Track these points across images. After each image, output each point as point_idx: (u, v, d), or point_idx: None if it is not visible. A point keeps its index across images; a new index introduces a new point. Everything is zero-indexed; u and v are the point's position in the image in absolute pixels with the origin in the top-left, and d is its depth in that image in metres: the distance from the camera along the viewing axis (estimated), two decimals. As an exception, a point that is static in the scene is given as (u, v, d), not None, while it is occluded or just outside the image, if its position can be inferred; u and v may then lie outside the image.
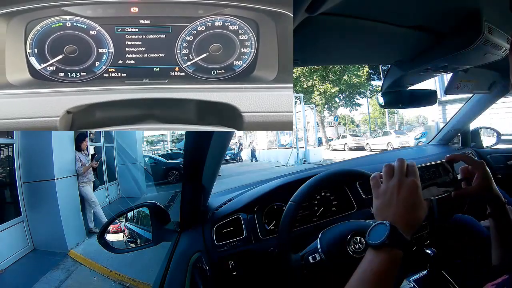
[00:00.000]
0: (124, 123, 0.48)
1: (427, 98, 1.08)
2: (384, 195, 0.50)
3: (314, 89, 14.69)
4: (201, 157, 0.72)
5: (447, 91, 1.02)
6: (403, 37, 0.75)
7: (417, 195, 0.49)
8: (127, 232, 0.94)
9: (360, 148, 14.21)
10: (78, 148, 4.03)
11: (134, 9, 0.45)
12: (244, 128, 0.49)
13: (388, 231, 0.44)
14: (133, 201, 5.29)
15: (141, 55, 0.46)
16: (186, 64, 0.48)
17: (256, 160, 14.86)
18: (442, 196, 0.57)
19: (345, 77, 14.45)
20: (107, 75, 0.46)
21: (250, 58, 0.50)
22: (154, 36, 0.46)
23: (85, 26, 0.45)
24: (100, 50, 0.45)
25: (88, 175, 4.05)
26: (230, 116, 0.49)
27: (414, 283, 0.88)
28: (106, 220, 1.05)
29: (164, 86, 0.47)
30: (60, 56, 0.45)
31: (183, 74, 0.48)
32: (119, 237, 0.92)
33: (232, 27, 0.48)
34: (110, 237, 0.88)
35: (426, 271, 0.88)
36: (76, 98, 0.45)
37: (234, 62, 0.49)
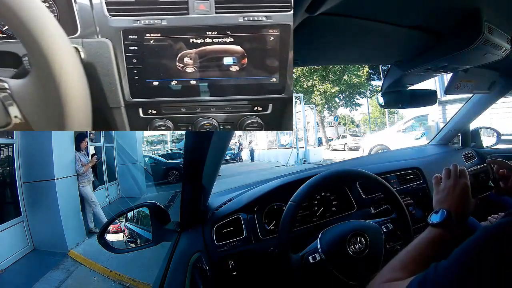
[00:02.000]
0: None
1: (427, 98, 1.08)
2: (443, 192, 0.68)
3: (314, 89, 14.68)
4: (201, 157, 0.72)
5: (447, 91, 1.02)
6: (403, 37, 0.75)
7: (468, 193, 0.66)
8: (127, 232, 0.94)
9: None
10: (78, 148, 4.03)
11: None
12: None
13: (445, 216, 0.61)
14: (133, 201, 5.29)
15: None
16: None
17: (253, 161, 14.84)
18: (486, 194, 0.73)
19: (345, 77, 14.44)
20: None
21: None
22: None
23: None
24: None
25: (88, 175, 4.05)
26: None
27: None
28: (106, 220, 1.05)
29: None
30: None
31: None
32: (119, 237, 0.92)
33: None
34: (110, 237, 0.88)
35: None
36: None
37: None
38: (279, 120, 0.65)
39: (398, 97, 1.09)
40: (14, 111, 0.43)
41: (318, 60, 1.05)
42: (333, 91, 14.61)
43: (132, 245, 0.94)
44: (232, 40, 0.52)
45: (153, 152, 15.96)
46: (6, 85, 0.42)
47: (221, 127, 0.67)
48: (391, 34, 0.73)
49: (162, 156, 10.82)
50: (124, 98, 0.59)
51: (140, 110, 0.62)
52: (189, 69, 0.53)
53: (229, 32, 0.52)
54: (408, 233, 0.86)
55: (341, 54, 0.92)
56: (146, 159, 8.40)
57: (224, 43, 0.53)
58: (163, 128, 0.65)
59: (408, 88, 1.10)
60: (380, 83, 15.78)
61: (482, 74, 1.07)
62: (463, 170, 0.69)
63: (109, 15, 0.51)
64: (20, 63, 0.53)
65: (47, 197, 3.47)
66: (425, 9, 0.64)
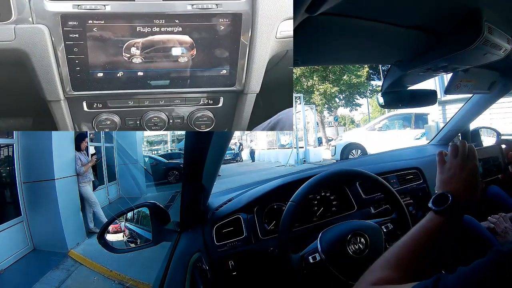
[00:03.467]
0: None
1: (427, 98, 1.08)
2: (449, 172, 0.58)
3: (314, 89, 14.66)
4: (201, 157, 0.72)
5: (447, 91, 1.02)
6: (403, 37, 0.75)
7: (477, 177, 0.57)
8: (127, 232, 0.94)
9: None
10: (78, 148, 4.03)
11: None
12: None
13: (451, 201, 0.52)
14: (133, 201, 5.29)
15: None
16: None
17: (253, 161, 14.81)
18: (492, 178, 0.65)
19: (345, 77, 14.42)
20: None
21: None
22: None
23: None
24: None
25: (88, 175, 4.04)
26: None
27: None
28: (106, 220, 1.05)
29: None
30: None
31: None
32: (119, 237, 0.92)
33: None
34: (110, 237, 0.88)
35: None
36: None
37: None
38: (233, 115, 0.63)
39: (398, 97, 1.09)
40: None
41: (318, 60, 1.05)
42: (333, 91, 14.59)
43: (132, 245, 0.94)
44: (180, 29, 0.49)
45: (153, 152, 15.95)
46: None
47: (170, 121, 0.65)
48: (391, 34, 0.73)
49: (162, 156, 10.82)
50: (64, 90, 0.53)
51: (84, 104, 0.57)
52: (136, 60, 0.50)
53: (177, 21, 0.48)
54: (408, 233, 0.86)
55: (341, 54, 0.92)
56: (146, 159, 8.40)
57: (172, 32, 0.49)
58: (108, 123, 0.61)
59: (408, 88, 1.10)
60: (380, 83, 15.77)
61: (482, 74, 1.07)
62: (472, 149, 0.59)
63: None
64: None
65: (47, 197, 3.47)
66: (425, 9, 0.64)
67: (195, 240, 0.88)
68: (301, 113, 11.40)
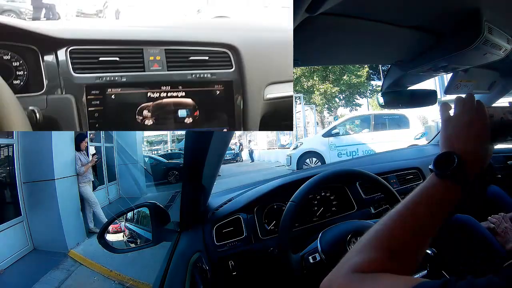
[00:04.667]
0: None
1: (427, 98, 1.08)
2: (456, 126, 0.48)
3: (314, 89, 14.66)
4: (201, 157, 0.72)
5: (447, 91, 1.02)
6: (403, 37, 0.75)
7: (487, 136, 0.47)
8: (127, 232, 0.94)
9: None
10: (78, 148, 4.02)
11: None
12: None
13: (457, 164, 0.43)
14: (133, 201, 5.29)
15: None
16: None
17: (252, 161, 14.80)
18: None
19: (345, 77, 14.42)
20: None
21: None
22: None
23: None
24: None
25: (88, 175, 4.05)
26: None
27: None
28: (106, 220, 1.05)
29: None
30: None
31: None
32: (119, 237, 0.92)
33: None
34: (110, 237, 0.88)
35: (426, 271, 0.88)
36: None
37: None
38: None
39: (398, 97, 1.09)
40: None
41: (318, 60, 1.05)
42: (333, 91, 14.58)
43: (132, 245, 0.94)
44: (184, 94, 0.59)
45: (153, 152, 15.95)
46: None
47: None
48: (391, 34, 0.73)
49: (162, 156, 10.81)
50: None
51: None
52: (148, 122, 0.57)
53: (181, 87, 0.58)
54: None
55: (341, 54, 0.92)
56: (146, 159, 8.40)
57: (177, 96, 0.58)
58: None
59: (408, 88, 1.10)
60: (380, 83, 15.76)
61: (482, 74, 1.07)
62: (480, 103, 0.49)
63: (74, 72, 0.54)
64: None
65: (47, 197, 3.47)
66: (425, 9, 0.64)
67: (195, 240, 0.88)
68: (301, 113, 11.40)
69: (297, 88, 14.08)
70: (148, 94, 0.58)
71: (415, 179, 1.20)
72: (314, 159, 6.93)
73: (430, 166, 0.45)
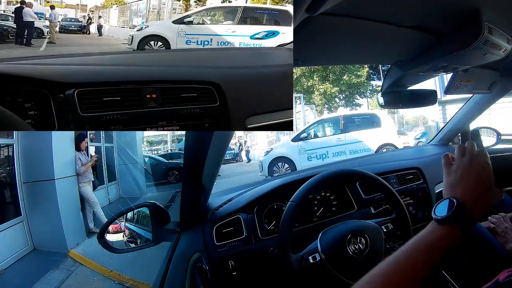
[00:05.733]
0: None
1: (427, 98, 1.08)
2: (456, 172, 0.50)
3: (314, 89, 14.66)
4: (201, 157, 0.72)
5: (447, 91, 1.02)
6: (403, 37, 0.75)
7: (489, 173, 0.48)
8: (127, 232, 0.94)
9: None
10: (78, 148, 4.02)
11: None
12: None
13: (455, 207, 0.44)
14: (133, 201, 5.29)
15: None
16: None
17: (249, 161, 14.67)
18: None
19: (345, 77, 14.42)
20: None
21: None
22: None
23: None
24: None
25: (88, 175, 4.04)
26: None
27: None
28: (106, 220, 1.05)
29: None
30: None
31: None
32: (119, 237, 0.92)
33: None
34: (110, 237, 0.88)
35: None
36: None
37: None
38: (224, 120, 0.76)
39: (398, 97, 1.09)
40: None
41: (318, 60, 1.05)
42: (333, 91, 14.59)
43: (132, 245, 0.94)
44: (178, 127, 0.67)
45: (153, 152, 15.92)
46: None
47: None
48: (391, 34, 0.73)
49: (162, 156, 10.81)
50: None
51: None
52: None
53: (174, 122, 0.67)
54: (408, 233, 0.86)
55: (341, 54, 0.92)
56: (146, 159, 8.39)
57: (172, 129, 0.68)
58: None
59: (408, 88, 1.10)
60: (380, 83, 15.76)
61: (482, 74, 1.07)
62: (481, 149, 0.51)
63: (82, 112, 0.60)
64: None
65: (47, 197, 3.47)
66: (425, 9, 0.64)
67: (195, 240, 0.88)
68: (301, 113, 11.40)
69: (297, 88, 14.08)
70: (147, 129, 0.65)
71: (415, 179, 1.20)
72: (285, 165, 6.84)
73: (432, 214, 0.46)
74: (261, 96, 0.74)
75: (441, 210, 0.45)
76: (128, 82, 0.64)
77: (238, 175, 8.45)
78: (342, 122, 7.03)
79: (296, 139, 6.94)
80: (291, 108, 0.73)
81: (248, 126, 0.73)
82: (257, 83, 0.75)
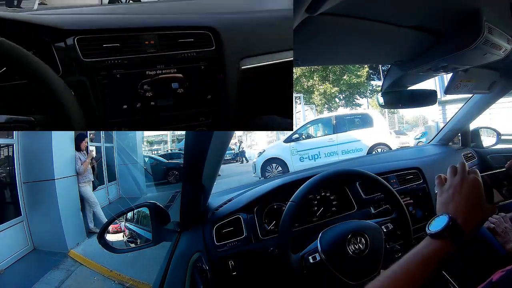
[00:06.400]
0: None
1: (427, 98, 1.08)
2: (448, 191, 0.54)
3: (314, 89, 14.67)
4: (201, 157, 0.72)
5: (447, 91, 1.02)
6: (403, 37, 0.75)
7: (479, 191, 0.52)
8: (127, 232, 0.94)
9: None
10: (77, 148, 4.03)
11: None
12: None
13: (446, 223, 0.47)
14: (133, 201, 5.29)
15: None
16: None
17: (245, 162, 14.62)
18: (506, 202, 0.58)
19: (345, 77, 14.43)
20: None
21: None
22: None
23: None
24: None
25: (88, 175, 4.05)
26: None
27: None
28: (106, 220, 1.05)
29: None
30: None
31: None
32: (119, 237, 0.92)
33: None
34: (110, 237, 0.88)
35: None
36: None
37: None
38: (223, 126, 0.82)
39: (398, 97, 1.09)
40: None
41: (318, 60, 1.05)
42: (333, 91, 14.60)
43: (132, 245, 0.94)
44: (175, 70, 0.71)
45: (153, 152, 15.94)
46: (32, 118, 0.57)
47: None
48: (391, 34, 0.73)
49: (162, 156, 10.81)
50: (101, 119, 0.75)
51: (115, 129, 0.80)
52: (148, 94, 0.70)
53: (172, 65, 0.71)
54: (408, 233, 0.86)
55: (341, 54, 0.92)
56: (146, 159, 8.39)
57: (170, 72, 0.71)
58: None
59: (408, 88, 1.10)
60: (380, 83, 15.77)
61: (482, 74, 1.07)
62: (473, 168, 0.55)
63: (83, 58, 0.64)
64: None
65: (47, 197, 3.47)
66: (425, 9, 0.64)
67: (195, 240, 0.88)
68: (301, 113, 11.41)
69: (297, 88, 14.08)
70: (147, 72, 0.69)
71: (415, 179, 1.20)
72: (276, 165, 6.84)
73: (426, 229, 0.49)
74: (258, 39, 0.77)
75: (434, 225, 0.49)
76: (127, 29, 0.66)
77: (238, 175, 8.45)
78: (334, 122, 7.03)
79: (288, 140, 6.96)
80: (291, 49, 0.74)
81: (242, 68, 0.75)
82: (253, 26, 0.78)
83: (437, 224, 0.49)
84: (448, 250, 0.46)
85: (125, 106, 0.71)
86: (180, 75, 0.71)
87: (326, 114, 8.93)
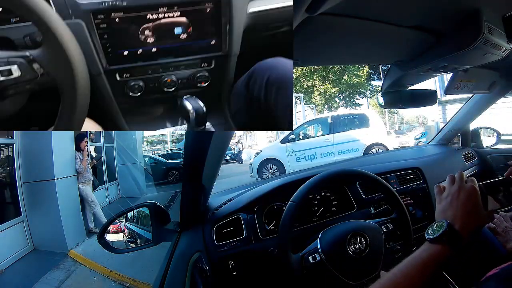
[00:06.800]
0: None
1: (427, 98, 1.08)
2: (446, 199, 0.56)
3: (314, 89, 14.67)
4: (201, 157, 0.72)
5: (447, 91, 1.02)
6: (403, 37, 0.75)
7: (476, 198, 0.54)
8: (127, 232, 0.94)
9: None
10: (77, 148, 4.03)
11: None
12: None
13: (444, 229, 0.50)
14: (133, 201, 5.29)
15: None
16: None
17: (240, 162, 14.59)
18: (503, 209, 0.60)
19: (345, 77, 14.43)
20: None
21: None
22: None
23: None
24: None
25: (87, 174, 4.04)
26: None
27: None
28: (106, 220, 1.05)
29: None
30: None
31: None
32: (119, 237, 0.92)
33: None
34: (110, 237, 0.88)
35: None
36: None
37: None
38: (223, 74, 0.84)
39: (398, 97, 1.09)
40: (37, 66, 0.55)
41: (318, 60, 1.06)
42: (333, 91, 14.59)
43: (132, 245, 0.94)
44: (178, 13, 0.66)
45: (153, 152, 15.92)
46: (27, 53, 0.55)
47: (179, 81, 0.85)
48: (391, 34, 0.73)
49: (162, 156, 10.80)
50: (102, 66, 0.73)
51: (117, 75, 0.79)
52: (150, 39, 0.67)
53: (176, 8, 0.66)
54: (408, 233, 0.86)
55: (341, 54, 0.92)
56: (146, 159, 8.39)
57: (173, 16, 0.67)
58: (136, 87, 0.82)
59: (408, 88, 1.10)
60: (380, 83, 15.77)
61: (482, 74, 1.07)
62: (470, 178, 0.58)
63: (79, 0, 0.60)
64: (24, 43, 0.64)
65: (47, 197, 3.47)
66: (425, 9, 0.64)
67: (195, 240, 0.88)
68: (301, 113, 11.41)
69: (297, 88, 14.08)
70: (148, 16, 0.65)
71: (415, 179, 1.20)
72: (273, 166, 6.81)
73: (425, 234, 0.52)
74: None
75: (433, 231, 0.52)
76: None
77: (238, 175, 8.45)
78: (330, 122, 7.01)
79: (285, 140, 6.93)
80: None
81: (250, 11, 0.72)
82: None
83: (436, 229, 0.51)
84: (446, 254, 0.49)
85: (125, 52, 0.69)
86: (184, 19, 0.67)
87: (322, 114, 8.90)
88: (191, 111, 0.82)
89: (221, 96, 0.93)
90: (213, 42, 0.73)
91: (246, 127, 0.94)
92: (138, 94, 0.85)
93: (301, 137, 6.96)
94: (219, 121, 0.95)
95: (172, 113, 0.93)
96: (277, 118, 0.81)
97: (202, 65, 0.79)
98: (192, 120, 0.82)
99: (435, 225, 0.52)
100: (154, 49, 0.69)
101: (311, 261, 0.76)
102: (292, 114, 0.88)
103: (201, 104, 0.83)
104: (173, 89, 0.86)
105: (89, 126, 0.76)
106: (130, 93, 0.84)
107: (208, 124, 0.88)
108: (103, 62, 0.72)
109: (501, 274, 0.43)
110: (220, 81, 0.85)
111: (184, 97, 0.85)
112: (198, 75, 0.82)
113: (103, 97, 0.81)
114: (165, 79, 0.82)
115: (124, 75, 0.76)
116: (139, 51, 0.69)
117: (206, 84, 0.88)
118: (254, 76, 0.82)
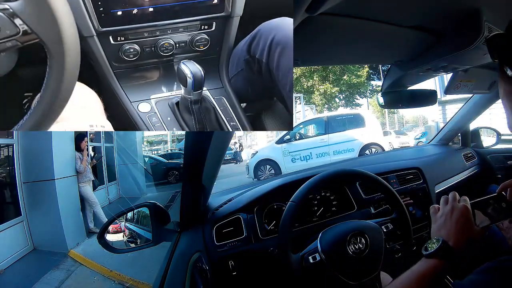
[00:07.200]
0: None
1: (427, 98, 1.08)
2: (440, 219, 0.61)
3: (314, 89, 14.67)
4: (201, 157, 0.72)
5: (447, 91, 1.02)
6: (403, 37, 0.75)
7: (467, 216, 0.59)
8: (127, 232, 0.94)
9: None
10: (77, 148, 4.03)
11: None
12: None
13: (439, 245, 0.55)
14: (133, 201, 5.29)
15: None
16: None
17: (238, 162, 14.52)
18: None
19: (345, 77, 14.44)
20: None
21: None
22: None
23: None
24: None
25: (87, 174, 4.04)
26: None
27: None
28: (106, 220, 1.05)
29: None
30: None
31: None
32: (119, 237, 0.92)
33: None
34: (110, 237, 0.88)
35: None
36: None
37: None
38: (224, 37, 0.79)
39: (398, 97, 1.09)
40: (18, 22, 0.50)
41: (318, 60, 1.06)
42: (333, 91, 14.59)
43: (132, 245, 0.94)
44: None
45: (153, 152, 15.92)
46: (7, 6, 0.50)
47: (177, 45, 0.81)
48: (391, 34, 0.73)
49: (162, 156, 10.80)
50: (94, 27, 0.68)
51: (111, 38, 0.74)
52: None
53: None
54: (408, 233, 0.86)
55: (341, 54, 0.92)
56: (146, 159, 8.39)
57: None
58: (131, 51, 0.78)
59: (408, 88, 1.10)
60: (380, 83, 15.77)
61: (482, 74, 1.07)
62: (463, 197, 0.63)
63: None
64: None
65: (47, 197, 3.47)
66: (425, 9, 0.64)
67: (195, 240, 0.88)
68: (301, 113, 11.41)
69: (297, 88, 14.08)
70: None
71: (415, 179, 1.20)
72: (268, 167, 6.82)
73: (422, 251, 0.56)
74: None
75: (429, 248, 0.56)
76: None
77: (238, 175, 8.45)
78: (326, 122, 7.00)
79: (280, 141, 6.93)
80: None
81: None
82: None
83: (432, 246, 0.56)
84: (441, 268, 0.53)
85: (119, 13, 0.64)
86: None
87: (321, 114, 8.87)
88: (189, 75, 0.78)
89: (220, 60, 0.88)
90: (215, 1, 0.69)
91: (243, 95, 0.92)
92: (134, 59, 0.80)
93: (297, 137, 6.95)
94: (216, 86, 0.91)
95: (169, 77, 0.89)
96: (278, 83, 0.79)
97: (202, 27, 0.75)
98: (189, 85, 0.78)
99: (431, 242, 0.57)
100: (150, 9, 0.65)
101: (311, 261, 0.76)
102: (292, 113, 0.88)
103: (200, 68, 0.79)
104: (170, 53, 0.82)
105: (81, 91, 0.69)
106: (125, 58, 0.79)
107: (204, 89, 0.85)
108: (94, 23, 0.67)
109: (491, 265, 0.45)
110: (220, 44, 0.81)
111: (182, 61, 0.80)
112: (197, 38, 0.78)
113: (96, 62, 0.76)
114: (162, 42, 0.78)
115: (119, 38, 0.71)
116: (134, 11, 0.64)
117: (205, 48, 0.83)
118: (258, 36, 0.79)
